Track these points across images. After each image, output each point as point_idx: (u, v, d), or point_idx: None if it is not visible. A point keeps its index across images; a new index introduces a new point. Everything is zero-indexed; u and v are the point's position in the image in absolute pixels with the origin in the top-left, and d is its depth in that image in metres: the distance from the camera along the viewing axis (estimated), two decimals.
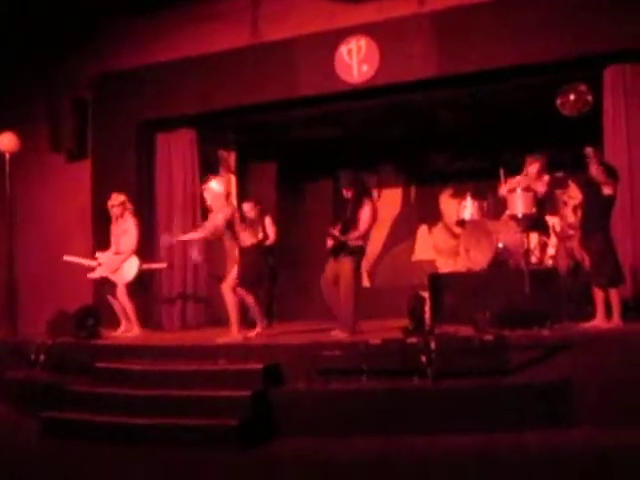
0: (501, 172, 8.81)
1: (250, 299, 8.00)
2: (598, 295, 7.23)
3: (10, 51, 11.01)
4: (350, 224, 8.02)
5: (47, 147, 10.97)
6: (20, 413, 7.36)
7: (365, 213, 8.04)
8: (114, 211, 9.06)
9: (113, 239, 9.12)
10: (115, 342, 8.28)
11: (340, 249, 8.01)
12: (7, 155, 9.72)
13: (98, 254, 9.19)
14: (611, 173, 7.25)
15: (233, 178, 11.79)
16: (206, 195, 7.97)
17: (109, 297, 9.09)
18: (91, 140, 10.98)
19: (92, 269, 9.18)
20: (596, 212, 7.27)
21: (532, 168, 8.70)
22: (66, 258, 9.30)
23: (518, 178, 8.64)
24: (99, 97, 10.89)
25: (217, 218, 7.81)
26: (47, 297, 10.33)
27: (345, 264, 7.99)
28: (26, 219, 10.66)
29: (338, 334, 7.84)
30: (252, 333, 7.98)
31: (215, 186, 7.95)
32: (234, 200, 11.41)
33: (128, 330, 8.94)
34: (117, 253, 9.04)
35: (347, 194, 8.19)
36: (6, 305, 9.62)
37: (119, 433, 6.29)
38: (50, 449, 6.27)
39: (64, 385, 7.05)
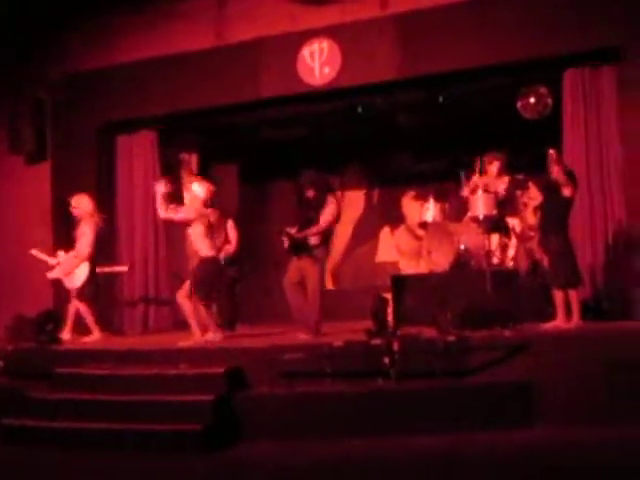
0: (462, 174, 8.88)
1: (201, 309, 7.86)
2: (558, 296, 7.30)
3: None
4: (311, 223, 8.03)
5: (6, 149, 10.81)
6: None
7: (327, 211, 8.07)
8: (75, 213, 8.91)
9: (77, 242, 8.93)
10: (75, 347, 8.18)
11: (299, 248, 8.00)
12: None
13: (60, 253, 9.01)
14: (571, 175, 7.34)
15: (194, 180, 11.70)
16: (186, 195, 7.91)
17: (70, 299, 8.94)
18: (51, 142, 10.84)
19: (52, 268, 9.01)
20: (555, 214, 7.35)
21: (492, 167, 8.79)
22: (33, 252, 9.10)
23: (477, 178, 8.71)
24: (59, 98, 10.75)
25: (197, 225, 7.76)
26: (6, 301, 10.18)
27: (309, 264, 7.99)
28: None
29: (302, 336, 7.84)
30: (210, 337, 7.89)
31: (197, 189, 7.90)
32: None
33: (67, 333, 8.76)
34: (75, 256, 8.88)
35: (309, 193, 8.20)
36: None
37: (79, 439, 6.22)
38: (9, 456, 6.18)
39: (23, 391, 6.94)
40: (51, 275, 9.00)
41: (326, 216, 8.06)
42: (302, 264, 8.05)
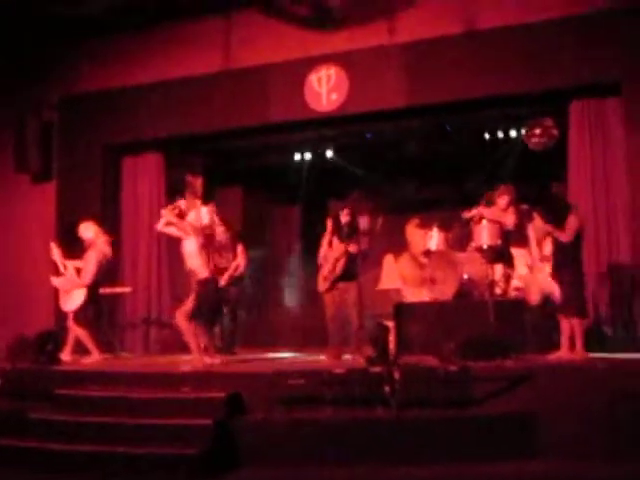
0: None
1: (201, 332, 7.85)
2: (565, 326, 7.28)
3: None
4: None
5: (12, 167, 10.84)
6: None
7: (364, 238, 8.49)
8: (83, 239, 8.81)
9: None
10: (75, 368, 8.14)
11: (352, 271, 8.33)
12: None
13: (70, 265, 8.84)
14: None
15: (199, 203, 11.71)
16: (189, 215, 7.95)
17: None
18: (57, 162, 10.88)
19: (60, 274, 8.90)
20: (568, 244, 7.34)
21: (501, 200, 8.76)
22: (52, 245, 9.00)
23: (484, 209, 8.69)
24: (66, 119, 10.81)
25: (190, 241, 7.76)
26: (8, 320, 10.16)
27: (354, 286, 8.36)
28: None
29: (325, 358, 8.23)
30: (208, 361, 7.85)
31: (204, 214, 7.96)
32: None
33: (68, 354, 8.70)
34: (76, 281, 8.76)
35: (345, 219, 8.49)
36: None
37: (79, 461, 6.16)
38: (7, 478, 6.12)
39: (23, 412, 6.90)
40: (54, 282, 8.93)
41: (364, 242, 8.39)
42: (349, 287, 8.35)
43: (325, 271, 8.46)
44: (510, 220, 8.61)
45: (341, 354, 8.39)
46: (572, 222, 7.26)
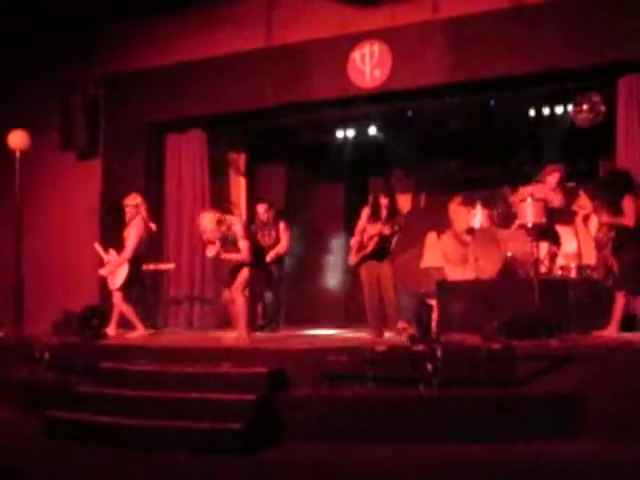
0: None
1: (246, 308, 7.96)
2: (619, 303, 7.23)
3: (22, 50, 11.03)
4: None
5: (58, 145, 10.98)
6: (24, 413, 7.33)
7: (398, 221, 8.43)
8: (127, 211, 8.86)
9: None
10: (120, 343, 8.25)
11: (384, 250, 8.36)
12: (18, 153, 9.70)
13: (111, 251, 8.96)
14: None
15: (243, 180, 11.78)
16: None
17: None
18: (102, 139, 10.99)
19: (105, 265, 9.01)
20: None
21: (552, 178, 8.65)
22: (96, 245, 9.17)
23: (533, 187, 8.60)
24: (111, 96, 10.90)
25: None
26: (54, 296, 10.32)
27: (387, 266, 8.41)
28: (35, 217, 10.67)
29: (370, 337, 8.28)
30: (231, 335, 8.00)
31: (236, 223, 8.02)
32: (244, 202, 11.46)
33: (113, 328, 8.81)
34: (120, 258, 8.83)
35: (384, 201, 8.45)
36: (12, 303, 9.59)
37: (123, 435, 6.26)
38: (53, 449, 6.24)
39: (68, 385, 7.02)
40: (101, 272, 9.06)
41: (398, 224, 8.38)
42: (382, 267, 8.38)
43: (356, 245, 8.47)
44: (558, 199, 8.51)
45: (382, 332, 8.41)
46: (628, 206, 7.16)
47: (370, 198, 8.73)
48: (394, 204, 8.57)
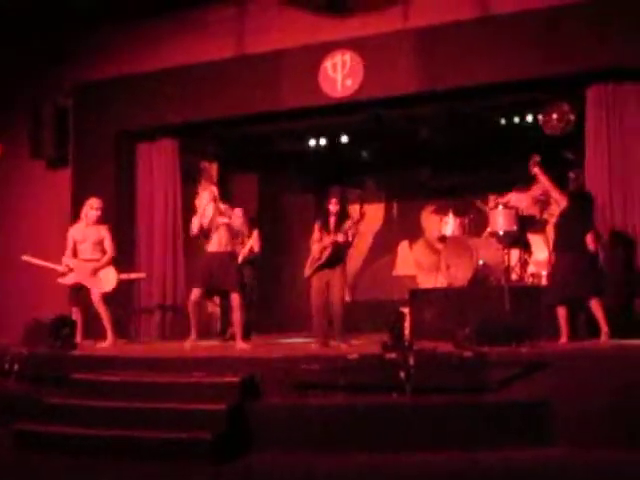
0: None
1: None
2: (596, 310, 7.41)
3: None
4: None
5: (27, 154, 10.88)
6: None
7: (351, 227, 8.26)
8: (92, 215, 8.68)
9: (84, 245, 8.68)
10: (91, 353, 8.17)
11: (337, 258, 8.19)
12: None
13: (65, 259, 8.73)
14: None
15: (214, 189, 11.72)
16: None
17: (74, 308, 8.80)
18: (72, 148, 10.91)
19: (61, 274, 8.80)
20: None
21: (537, 188, 8.72)
22: (25, 258, 9.02)
23: (515, 194, 8.69)
24: (80, 105, 10.83)
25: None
26: (23, 306, 10.21)
27: (339, 272, 8.22)
28: (4, 226, 10.57)
29: (315, 347, 8.08)
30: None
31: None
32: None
33: (78, 337, 8.61)
34: (89, 260, 8.69)
35: (334, 208, 8.34)
36: None
37: (93, 446, 6.18)
38: (23, 462, 6.15)
39: (39, 396, 6.93)
40: (65, 281, 8.83)
41: (353, 229, 8.24)
42: (332, 274, 8.22)
43: (311, 257, 8.43)
44: (535, 208, 8.58)
45: (328, 341, 8.30)
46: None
47: (322, 207, 8.64)
48: (344, 211, 8.43)
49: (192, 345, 8.11)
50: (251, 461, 6.01)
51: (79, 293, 8.74)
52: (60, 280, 8.86)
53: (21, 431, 6.49)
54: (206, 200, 8.18)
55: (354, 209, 9.17)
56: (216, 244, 8.11)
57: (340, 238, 8.14)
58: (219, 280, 8.11)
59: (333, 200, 8.42)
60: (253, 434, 6.26)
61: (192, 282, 8.44)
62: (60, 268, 8.80)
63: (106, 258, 8.68)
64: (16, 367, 7.65)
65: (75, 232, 8.75)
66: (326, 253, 8.22)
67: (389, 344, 7.02)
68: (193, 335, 8.21)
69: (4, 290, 10.29)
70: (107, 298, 8.74)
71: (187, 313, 9.88)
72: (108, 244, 8.69)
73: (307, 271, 8.43)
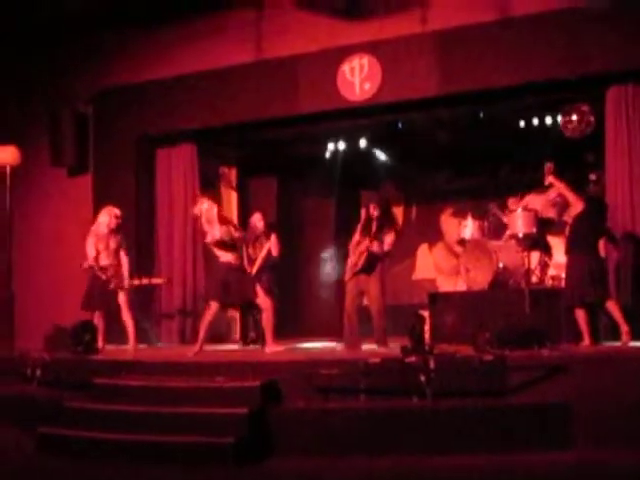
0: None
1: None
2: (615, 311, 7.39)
3: (12, 65, 11.03)
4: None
5: (48, 161, 10.97)
6: (17, 429, 7.28)
7: (390, 235, 8.41)
8: (115, 223, 8.81)
9: (107, 252, 8.74)
10: (113, 358, 8.22)
11: (373, 266, 8.26)
12: (8, 168, 9.69)
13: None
14: None
15: (234, 194, 11.79)
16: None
17: (96, 312, 8.83)
18: (92, 155, 10.98)
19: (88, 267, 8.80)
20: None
21: (552, 191, 8.69)
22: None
23: (531, 196, 8.66)
24: (100, 112, 10.92)
25: None
26: (45, 312, 10.27)
27: (374, 281, 8.30)
28: (25, 233, 10.64)
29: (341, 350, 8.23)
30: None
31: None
32: (235, 215, 11.48)
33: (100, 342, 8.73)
34: (108, 266, 8.69)
35: (373, 212, 8.41)
36: (3, 319, 9.55)
37: (115, 450, 6.22)
38: (46, 465, 6.20)
39: (61, 401, 6.99)
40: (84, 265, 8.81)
41: (389, 240, 8.37)
42: (368, 280, 8.31)
43: (350, 262, 8.47)
44: (553, 211, 8.55)
45: (358, 345, 8.37)
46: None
47: (362, 212, 8.71)
48: (388, 217, 8.56)
49: (195, 353, 8.08)
50: (273, 465, 6.03)
51: (101, 298, 8.78)
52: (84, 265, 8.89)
53: (44, 435, 6.55)
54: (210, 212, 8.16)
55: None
56: (229, 255, 8.15)
57: (375, 248, 8.22)
58: (236, 295, 8.18)
59: (372, 205, 8.49)
60: (275, 438, 6.27)
61: (208, 295, 8.44)
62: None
63: (126, 265, 8.79)
64: (38, 372, 7.72)
65: (96, 239, 8.82)
66: (362, 258, 8.27)
67: (409, 348, 7.02)
68: (198, 346, 8.15)
69: (26, 296, 10.34)
70: (131, 303, 8.82)
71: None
72: (125, 252, 8.82)
73: (347, 274, 8.55)
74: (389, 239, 8.38)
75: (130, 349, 8.75)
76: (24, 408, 7.42)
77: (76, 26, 10.46)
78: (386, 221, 8.57)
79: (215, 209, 8.16)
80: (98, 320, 8.82)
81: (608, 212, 7.84)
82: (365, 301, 8.56)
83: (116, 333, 9.00)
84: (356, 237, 8.51)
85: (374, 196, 8.72)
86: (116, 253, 8.80)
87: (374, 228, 8.38)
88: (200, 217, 8.16)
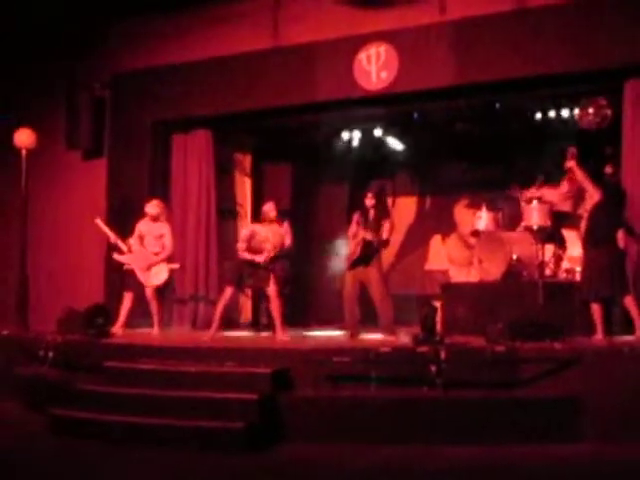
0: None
1: None
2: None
3: (29, 49, 11.05)
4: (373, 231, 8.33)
5: (63, 144, 10.99)
6: (29, 410, 7.36)
7: (387, 223, 8.39)
8: (154, 212, 9.10)
9: (147, 239, 9.06)
10: (124, 341, 8.27)
11: (370, 255, 8.26)
12: (24, 151, 9.73)
13: (132, 241, 9.04)
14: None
15: (248, 181, 11.79)
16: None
17: (125, 293, 9.05)
18: (107, 138, 11.00)
19: (119, 250, 9.03)
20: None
21: (566, 183, 8.64)
22: (97, 221, 9.20)
23: (546, 189, 8.63)
24: (116, 96, 10.91)
25: None
26: (59, 295, 10.33)
27: (374, 269, 8.33)
28: (40, 215, 10.67)
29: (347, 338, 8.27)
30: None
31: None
32: (249, 202, 11.50)
33: (120, 327, 8.92)
34: (154, 254, 9.03)
35: (370, 202, 8.43)
36: (17, 301, 9.62)
37: (126, 433, 6.28)
38: (58, 446, 6.27)
39: (73, 383, 7.05)
40: (120, 259, 9.04)
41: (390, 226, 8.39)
42: (367, 270, 8.32)
43: (349, 252, 8.52)
44: (568, 204, 8.51)
45: (358, 333, 8.45)
46: None
47: (362, 199, 8.71)
48: (383, 206, 8.53)
49: (211, 338, 8.17)
50: (282, 451, 6.07)
51: (133, 279, 8.98)
52: (115, 256, 9.10)
53: (56, 416, 6.61)
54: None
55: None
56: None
57: (368, 236, 8.21)
58: (251, 281, 8.33)
59: (369, 194, 8.50)
60: (285, 425, 6.31)
61: (223, 280, 8.53)
62: (123, 246, 9.04)
63: (163, 255, 9.04)
64: (51, 354, 7.79)
65: (141, 226, 9.14)
66: (359, 248, 8.28)
67: (421, 338, 7.02)
68: (213, 330, 8.29)
69: (40, 278, 10.40)
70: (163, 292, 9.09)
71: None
72: (167, 242, 9.07)
73: (346, 264, 8.59)
74: (386, 228, 8.35)
75: (154, 333, 8.90)
76: (37, 389, 7.49)
77: (94, 10, 10.46)
78: (382, 211, 8.55)
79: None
80: (127, 299, 9.01)
81: (627, 200, 7.74)
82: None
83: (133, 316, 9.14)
84: (352, 228, 8.52)
85: (374, 186, 8.73)
86: (157, 242, 9.10)
87: (370, 217, 8.41)
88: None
